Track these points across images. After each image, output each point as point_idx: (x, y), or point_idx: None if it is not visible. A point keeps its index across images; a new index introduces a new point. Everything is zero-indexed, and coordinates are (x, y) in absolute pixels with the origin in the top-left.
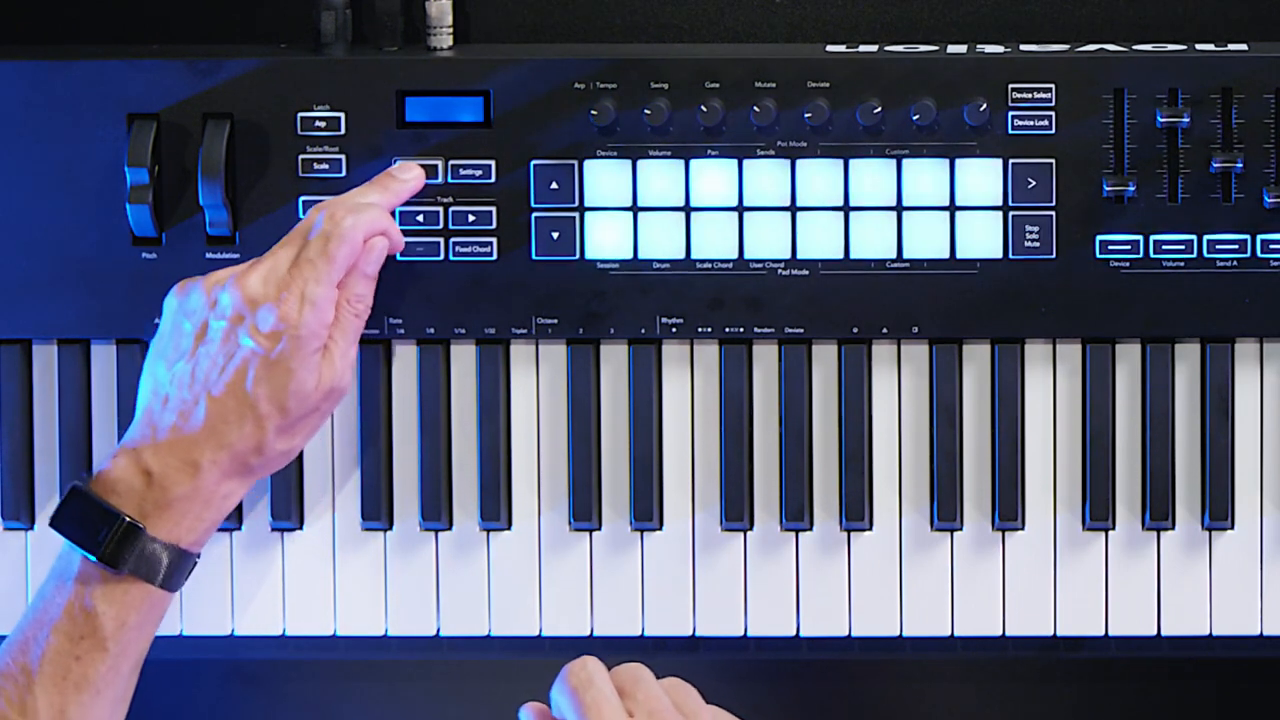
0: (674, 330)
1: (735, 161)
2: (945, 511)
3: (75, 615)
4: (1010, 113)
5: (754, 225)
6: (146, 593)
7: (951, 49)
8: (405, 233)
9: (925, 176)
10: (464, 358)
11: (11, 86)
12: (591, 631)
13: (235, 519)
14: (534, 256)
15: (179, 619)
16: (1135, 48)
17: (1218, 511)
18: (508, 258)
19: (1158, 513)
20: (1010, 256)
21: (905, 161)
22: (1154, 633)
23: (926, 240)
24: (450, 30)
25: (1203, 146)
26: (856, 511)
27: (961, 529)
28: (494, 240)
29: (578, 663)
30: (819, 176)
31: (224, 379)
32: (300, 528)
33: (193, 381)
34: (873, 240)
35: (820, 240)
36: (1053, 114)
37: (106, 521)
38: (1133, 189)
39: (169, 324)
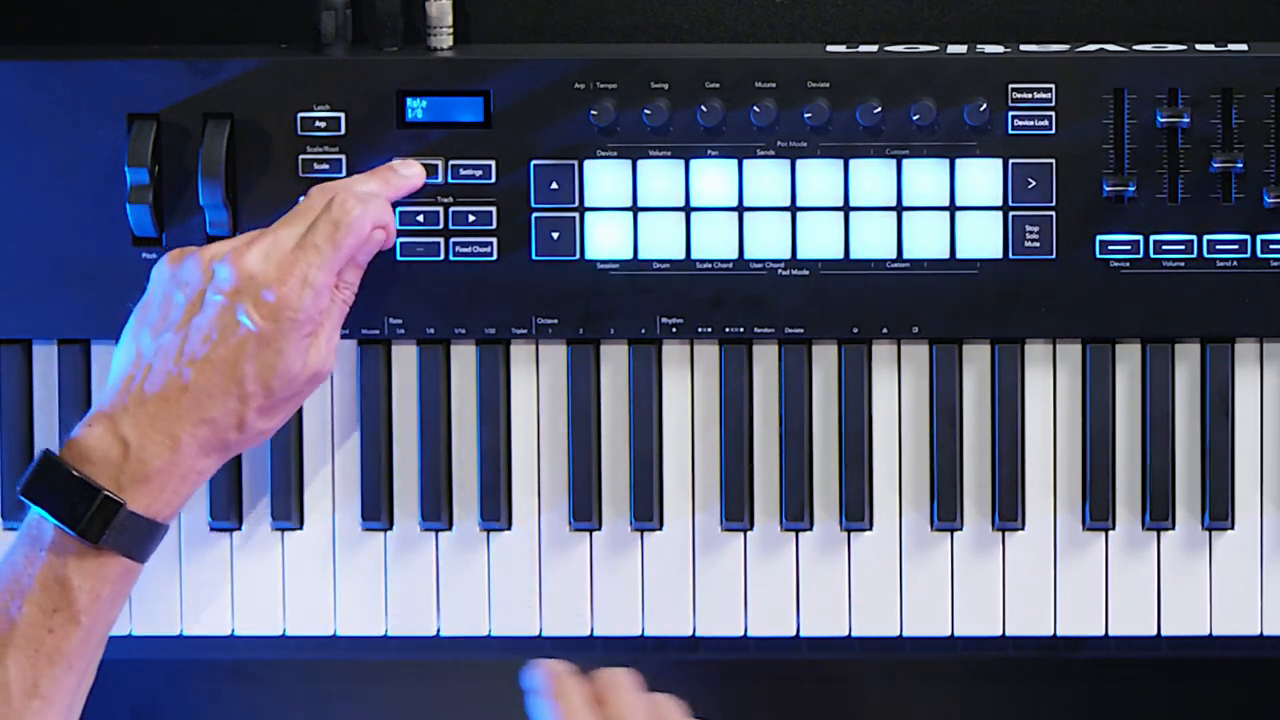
0: (674, 330)
1: (735, 161)
2: (945, 511)
3: (49, 587)
4: (1010, 113)
5: (754, 225)
6: (122, 566)
7: (951, 49)
8: (405, 233)
9: (925, 176)
10: (464, 358)
11: (11, 86)
12: (591, 631)
13: (235, 519)
14: (534, 256)
15: (179, 619)
16: (1135, 48)
17: (1218, 511)
18: (508, 258)
19: (1158, 513)
20: (1010, 256)
21: (905, 161)
22: (1154, 633)
23: (926, 240)
24: (450, 30)
25: (1203, 146)
26: (856, 511)
27: (961, 529)
28: (494, 240)
29: (550, 674)
30: (819, 176)
31: (214, 353)
32: (300, 528)
33: (180, 354)
34: (873, 240)
35: (820, 240)
36: (1053, 114)
37: (84, 494)
38: (1133, 189)
39: (159, 293)
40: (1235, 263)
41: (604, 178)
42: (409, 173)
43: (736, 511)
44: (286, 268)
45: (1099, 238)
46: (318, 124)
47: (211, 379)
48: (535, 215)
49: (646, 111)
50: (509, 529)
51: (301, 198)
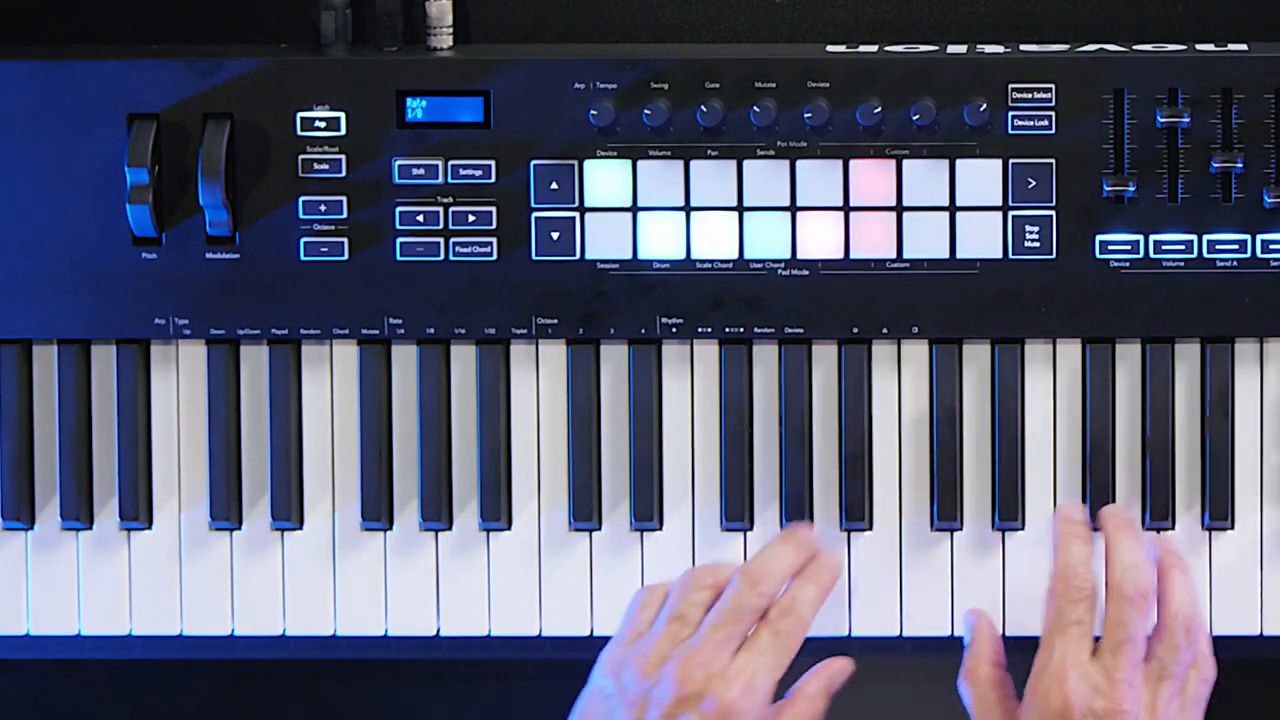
0: (674, 330)
1: (735, 162)
2: (945, 511)
3: None
4: (1010, 113)
5: (754, 225)
6: None
7: (951, 49)
8: (405, 233)
9: (925, 176)
10: (464, 358)
11: (11, 86)
12: (591, 631)
13: (235, 519)
14: (534, 256)
15: (179, 619)
16: (1135, 48)
17: (1218, 511)
18: (508, 258)
19: (1158, 512)
20: (1010, 256)
21: (905, 162)
22: None
23: (926, 240)
24: (450, 30)
25: (1203, 146)
26: (856, 511)
27: (961, 529)
28: (494, 240)
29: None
30: (819, 176)
31: None
32: (300, 528)
33: None
34: (872, 240)
35: (820, 240)
36: (1053, 114)
37: None
38: (1133, 189)
39: (599, 707)
40: (1235, 263)
41: (604, 178)
42: (832, 563)
43: (736, 511)
44: (732, 675)
45: (1099, 238)
46: (317, 124)
47: None
48: (535, 215)
49: (646, 111)
50: (509, 529)
51: (301, 198)
